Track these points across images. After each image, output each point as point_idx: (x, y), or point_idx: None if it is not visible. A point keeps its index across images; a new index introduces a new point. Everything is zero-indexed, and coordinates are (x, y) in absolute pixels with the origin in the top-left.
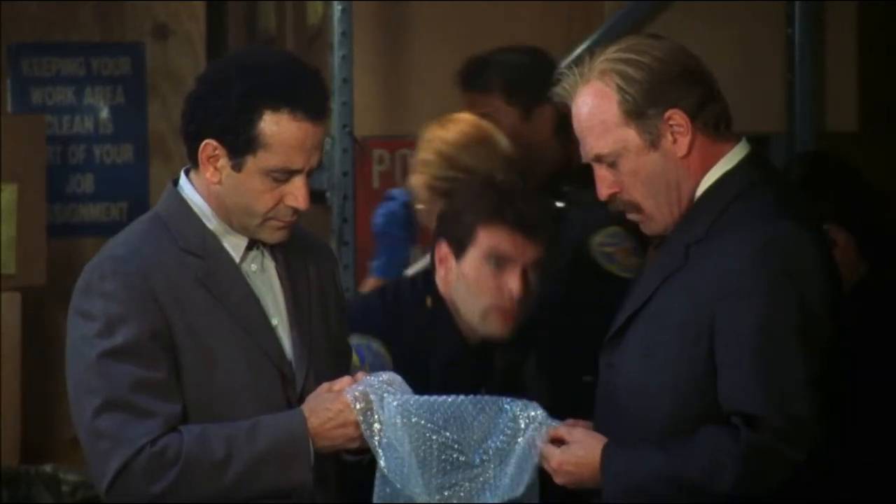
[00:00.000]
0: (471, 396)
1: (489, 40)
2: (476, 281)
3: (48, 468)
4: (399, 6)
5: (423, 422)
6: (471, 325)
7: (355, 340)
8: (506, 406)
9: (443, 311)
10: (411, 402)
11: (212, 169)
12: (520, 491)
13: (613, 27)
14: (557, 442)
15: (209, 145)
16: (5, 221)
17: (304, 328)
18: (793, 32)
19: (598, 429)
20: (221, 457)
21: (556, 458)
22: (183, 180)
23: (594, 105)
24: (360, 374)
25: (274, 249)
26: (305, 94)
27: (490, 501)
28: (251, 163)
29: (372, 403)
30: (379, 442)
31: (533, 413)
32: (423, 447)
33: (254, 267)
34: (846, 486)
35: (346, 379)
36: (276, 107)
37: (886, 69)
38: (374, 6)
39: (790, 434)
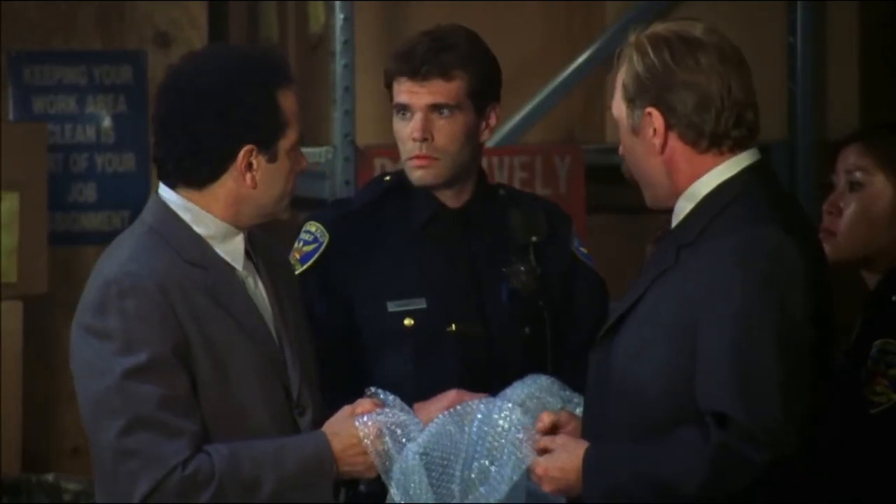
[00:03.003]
0: (445, 413)
1: (492, 46)
2: (395, 133)
3: (49, 477)
4: (401, 14)
5: (433, 456)
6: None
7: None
8: (478, 415)
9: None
10: (427, 444)
11: (249, 175)
12: (504, 491)
13: (615, 35)
14: (542, 451)
15: (247, 152)
16: (6, 230)
17: (293, 337)
18: (794, 40)
19: (588, 426)
20: (251, 480)
21: (542, 466)
22: (165, 191)
23: (617, 71)
24: (375, 399)
25: (258, 259)
26: (288, 66)
27: None
28: (282, 146)
29: (384, 443)
30: (391, 476)
31: (508, 412)
32: (434, 481)
33: (245, 273)
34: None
35: (366, 403)
36: (281, 83)
37: (888, 76)
38: (376, 14)
39: (757, 435)
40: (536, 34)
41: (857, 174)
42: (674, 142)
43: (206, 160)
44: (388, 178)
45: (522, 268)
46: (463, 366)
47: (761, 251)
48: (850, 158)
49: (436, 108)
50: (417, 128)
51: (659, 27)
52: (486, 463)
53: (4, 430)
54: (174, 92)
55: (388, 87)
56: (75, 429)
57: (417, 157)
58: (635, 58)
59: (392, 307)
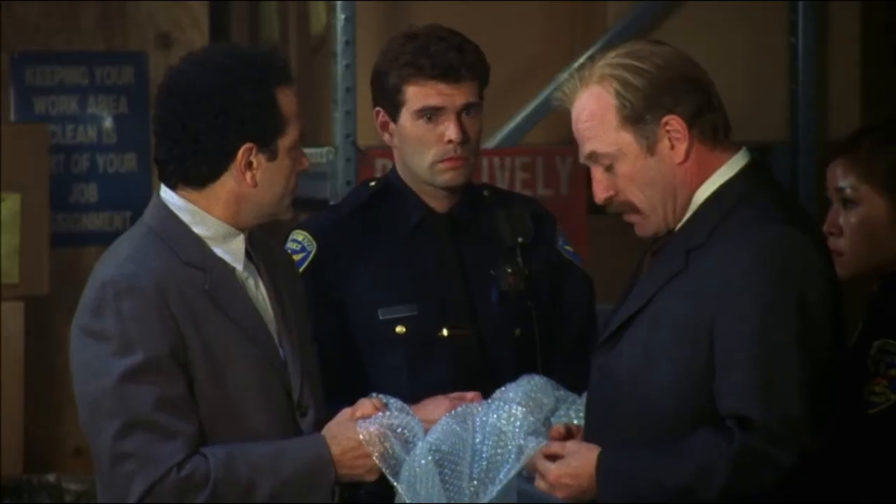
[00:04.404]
0: (448, 415)
1: (493, 46)
2: (416, 137)
3: (51, 477)
4: (402, 14)
5: (444, 453)
6: (425, 181)
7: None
8: (478, 417)
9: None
10: (436, 441)
11: (249, 174)
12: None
13: (616, 36)
14: (551, 457)
15: (246, 150)
16: (8, 231)
17: (294, 338)
18: (796, 41)
19: (591, 432)
20: (247, 483)
21: (553, 473)
22: (166, 192)
23: (592, 109)
24: (376, 402)
25: (259, 260)
26: (287, 64)
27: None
28: (281, 144)
29: (388, 446)
30: (400, 478)
31: (507, 411)
32: (446, 478)
33: (245, 275)
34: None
35: (366, 406)
36: (280, 82)
37: (889, 77)
38: (377, 15)
39: (781, 436)
40: (537, 35)
41: (847, 191)
42: (694, 143)
43: (205, 159)
44: (373, 183)
45: (510, 269)
46: (455, 369)
47: (781, 249)
48: (837, 176)
49: (466, 108)
50: (457, 129)
51: (601, 61)
52: (495, 461)
53: (6, 430)
54: (173, 91)
55: (393, 90)
56: (77, 429)
57: (452, 158)
58: (622, 80)
59: (383, 315)
